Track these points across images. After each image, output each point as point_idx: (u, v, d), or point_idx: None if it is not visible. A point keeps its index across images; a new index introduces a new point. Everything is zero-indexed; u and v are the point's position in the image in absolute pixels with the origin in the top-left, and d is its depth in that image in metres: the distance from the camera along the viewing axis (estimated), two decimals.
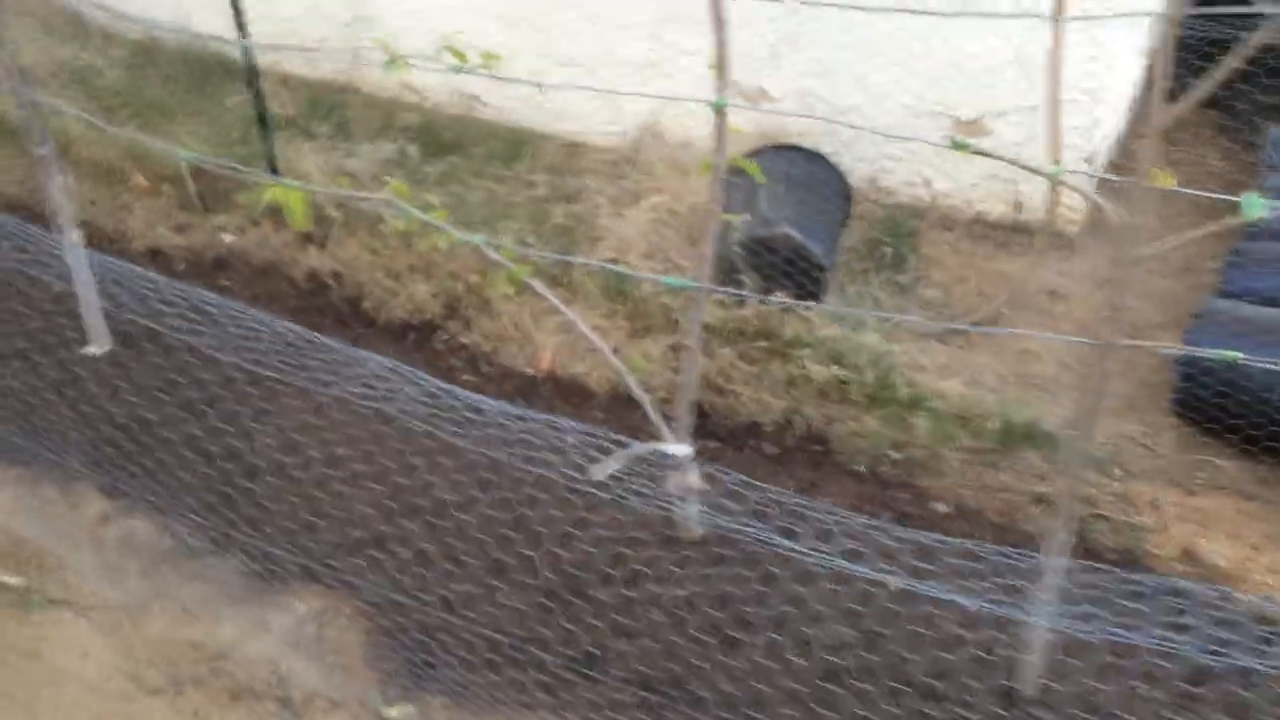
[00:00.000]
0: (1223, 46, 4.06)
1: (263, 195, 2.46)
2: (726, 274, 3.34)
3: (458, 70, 2.38)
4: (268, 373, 3.18)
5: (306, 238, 3.82)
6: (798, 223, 3.29)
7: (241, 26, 3.67)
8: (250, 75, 3.86)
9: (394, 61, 2.41)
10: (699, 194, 3.82)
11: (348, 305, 3.60)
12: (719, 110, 2.27)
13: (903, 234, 3.80)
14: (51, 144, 3.09)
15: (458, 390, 2.95)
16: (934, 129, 3.89)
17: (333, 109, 4.61)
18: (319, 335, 3.17)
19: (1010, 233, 3.90)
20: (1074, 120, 3.60)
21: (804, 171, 3.52)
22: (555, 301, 2.47)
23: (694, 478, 2.64)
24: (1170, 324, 3.52)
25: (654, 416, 2.54)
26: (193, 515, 2.84)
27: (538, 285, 2.44)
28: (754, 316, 3.26)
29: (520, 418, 2.93)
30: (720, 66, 2.24)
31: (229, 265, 3.78)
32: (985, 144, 3.81)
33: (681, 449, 2.58)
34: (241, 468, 2.96)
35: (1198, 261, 3.73)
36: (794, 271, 3.29)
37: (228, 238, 3.87)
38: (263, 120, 3.88)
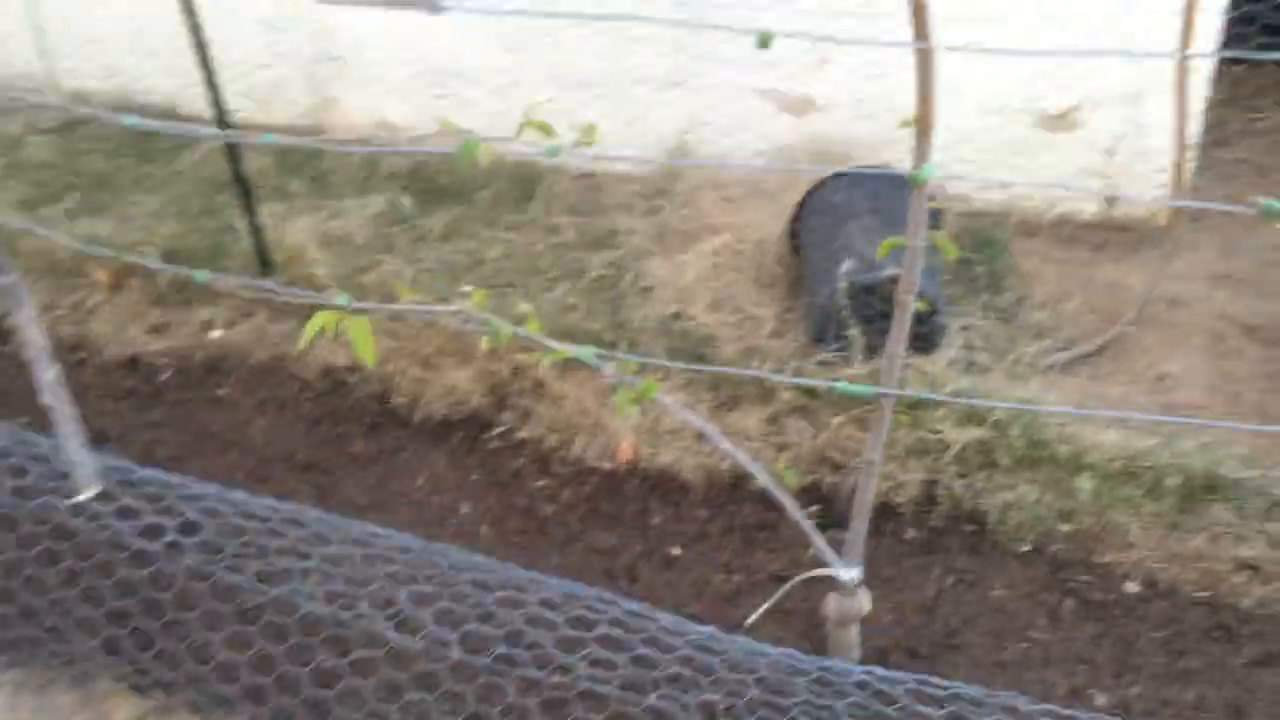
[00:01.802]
0: None
1: (309, 327, 1.92)
2: (828, 327, 2.87)
3: (554, 153, 1.85)
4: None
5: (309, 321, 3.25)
6: (901, 259, 2.81)
7: (210, 73, 3.09)
8: (220, 122, 3.25)
9: (471, 145, 1.84)
10: (761, 226, 3.33)
11: (375, 403, 3.06)
12: (919, 184, 1.77)
13: (991, 248, 3.36)
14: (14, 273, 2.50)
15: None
16: (1015, 125, 3.44)
17: (305, 160, 4.04)
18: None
19: (1106, 232, 3.47)
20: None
21: (887, 194, 3.05)
22: (683, 412, 1.97)
23: (863, 601, 2.17)
24: None
25: (817, 540, 2.06)
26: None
27: (669, 401, 1.94)
28: (867, 375, 2.79)
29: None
30: (924, 122, 1.75)
31: (223, 368, 3.21)
32: (1077, 138, 3.41)
33: (851, 572, 2.12)
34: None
35: None
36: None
37: (217, 333, 3.30)
38: (243, 186, 3.30)
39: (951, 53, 3.39)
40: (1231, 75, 3.78)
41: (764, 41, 1.62)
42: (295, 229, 3.57)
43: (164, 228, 3.67)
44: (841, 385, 1.92)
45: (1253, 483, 2.56)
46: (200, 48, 3.05)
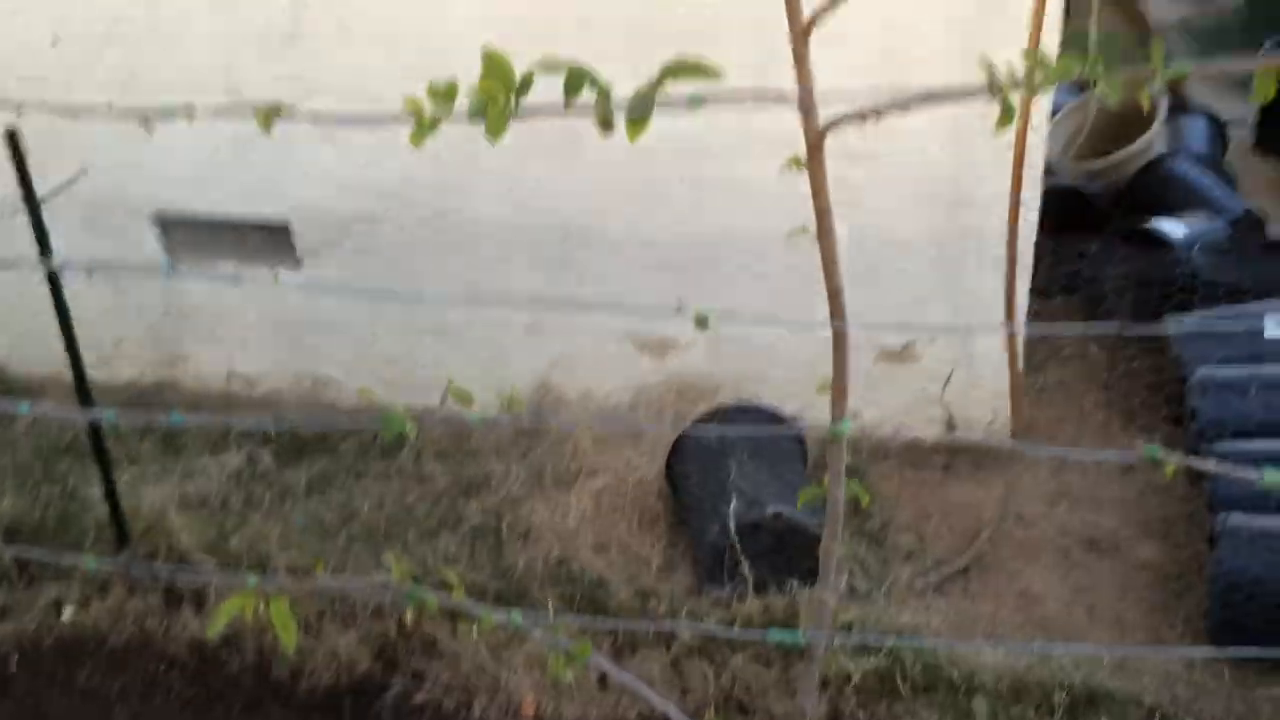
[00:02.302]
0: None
1: (220, 614, 1.83)
2: (719, 565, 2.93)
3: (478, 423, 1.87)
4: None
5: (172, 594, 3.09)
6: (781, 494, 2.95)
7: (72, 340, 2.99)
8: (78, 380, 3.11)
9: (396, 418, 1.86)
10: (638, 466, 3.41)
11: (253, 676, 2.89)
12: (837, 438, 1.89)
13: (852, 474, 3.53)
14: None
15: None
16: (860, 359, 3.69)
17: (154, 418, 3.89)
18: None
19: (951, 455, 3.72)
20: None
21: (760, 430, 3.20)
22: (636, 684, 1.96)
23: None
24: (1143, 532, 3.41)
25: None
26: None
27: (608, 666, 1.94)
28: (760, 611, 2.85)
29: None
30: (839, 389, 1.89)
31: (81, 651, 2.97)
32: (914, 370, 3.69)
33: None
34: None
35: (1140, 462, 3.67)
36: (789, 550, 2.92)
37: (67, 612, 3.07)
38: (99, 450, 3.14)
39: (801, 301, 3.65)
40: (1032, 307, 4.20)
41: (701, 322, 1.74)
42: (151, 494, 3.42)
43: (2, 503, 3.45)
44: (774, 634, 1.98)
45: (1127, 693, 2.72)
46: (62, 311, 2.96)
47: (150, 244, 3.99)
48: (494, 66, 1.52)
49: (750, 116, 3.24)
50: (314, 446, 3.77)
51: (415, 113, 1.59)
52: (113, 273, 4.04)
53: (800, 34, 1.49)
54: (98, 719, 2.75)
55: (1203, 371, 3.51)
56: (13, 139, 2.73)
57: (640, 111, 1.56)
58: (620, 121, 1.51)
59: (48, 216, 2.89)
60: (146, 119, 1.77)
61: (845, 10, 1.56)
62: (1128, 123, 4.76)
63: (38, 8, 3.67)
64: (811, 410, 3.79)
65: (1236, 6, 6.80)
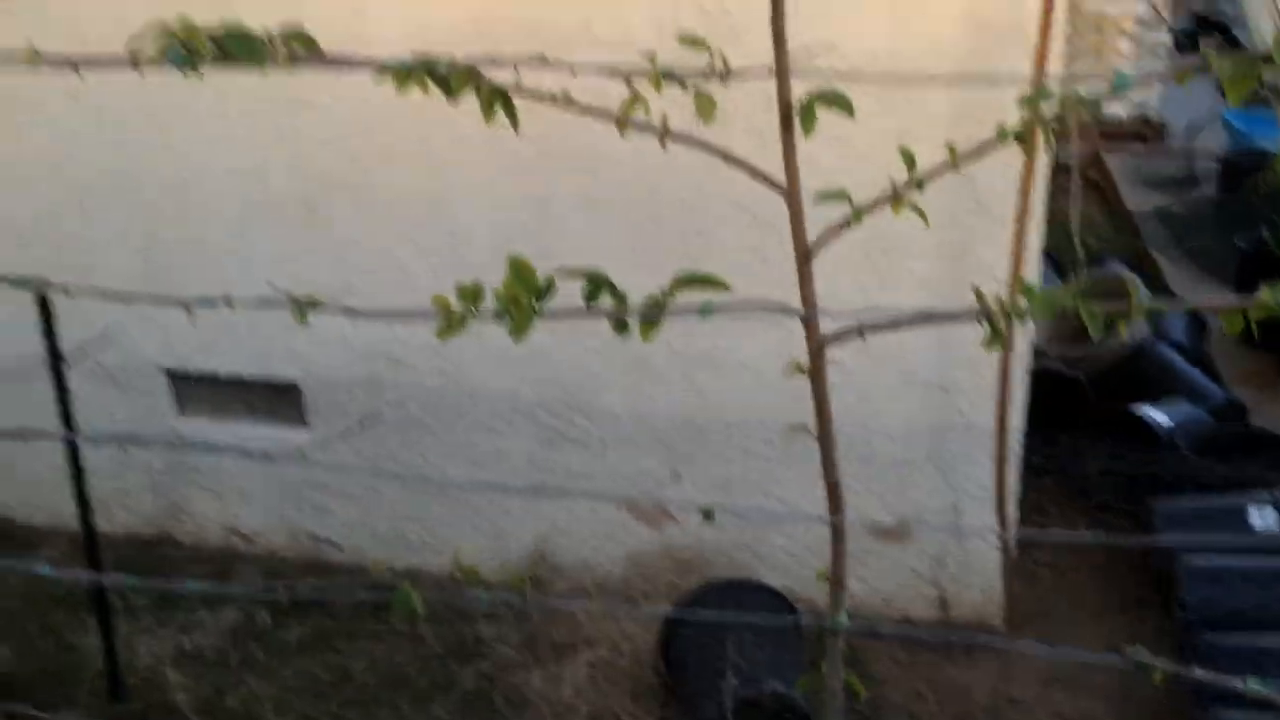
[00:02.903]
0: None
1: None
2: None
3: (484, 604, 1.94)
4: None
5: None
6: (778, 671, 2.98)
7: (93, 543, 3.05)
8: (89, 541, 3.16)
9: (406, 594, 1.91)
10: (633, 637, 3.45)
11: None
12: (837, 629, 1.95)
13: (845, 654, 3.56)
14: None
15: None
16: (851, 535, 3.76)
17: (150, 571, 3.93)
18: None
19: (943, 633, 3.75)
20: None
21: (756, 607, 3.25)
22: None
23: None
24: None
25: None
26: None
27: None
28: None
29: None
30: (837, 582, 1.96)
31: None
32: (907, 548, 3.76)
33: None
34: None
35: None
36: None
37: None
38: (101, 605, 3.16)
39: (794, 474, 3.75)
40: (1026, 485, 4.28)
41: (708, 514, 1.84)
42: (146, 648, 3.43)
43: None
44: None
45: None
46: (78, 478, 3.04)
47: (161, 397, 4.10)
48: (519, 271, 1.65)
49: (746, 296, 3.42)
50: (310, 607, 3.79)
51: (443, 309, 1.70)
52: (122, 428, 4.13)
53: (803, 257, 1.62)
54: None
55: (1189, 561, 3.58)
56: (44, 303, 2.86)
57: (652, 317, 1.69)
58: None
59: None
60: (188, 307, 1.88)
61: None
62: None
63: (69, 179, 3.84)
64: (807, 584, 3.85)
65: (1211, 196, 7.11)
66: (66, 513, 3.43)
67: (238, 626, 3.64)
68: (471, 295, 1.68)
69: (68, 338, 3.13)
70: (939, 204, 3.28)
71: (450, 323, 1.70)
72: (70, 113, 3.71)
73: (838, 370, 3.57)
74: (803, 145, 3.39)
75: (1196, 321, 5.38)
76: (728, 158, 1.66)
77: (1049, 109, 1.49)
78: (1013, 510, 3.60)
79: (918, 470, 3.66)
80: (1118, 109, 8.37)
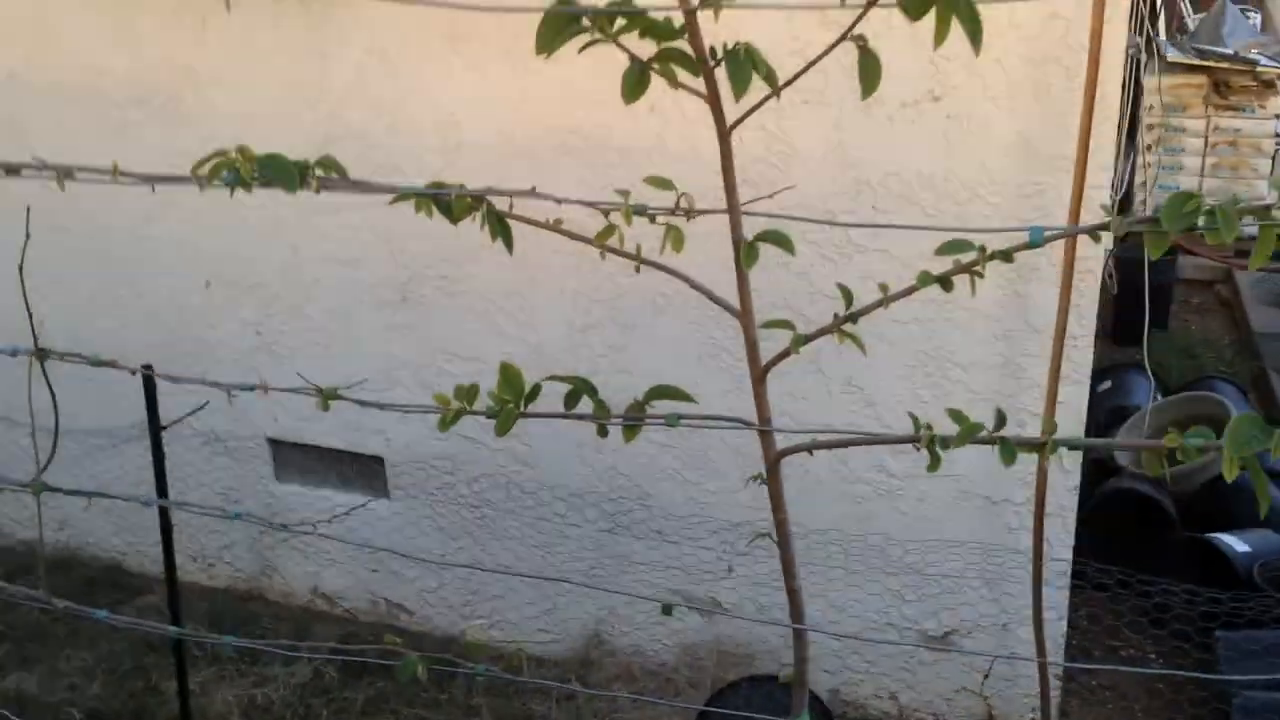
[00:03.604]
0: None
1: None
2: None
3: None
4: None
5: None
6: None
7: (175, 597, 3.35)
8: (171, 591, 3.45)
9: (411, 663, 2.10)
10: None
11: None
12: None
13: None
14: None
15: None
16: (902, 646, 3.79)
17: (238, 623, 4.23)
18: None
19: None
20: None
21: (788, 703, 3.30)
22: None
23: None
24: None
25: None
26: None
27: None
28: None
29: None
30: (799, 680, 2.06)
31: None
32: (955, 659, 3.75)
33: None
34: None
35: None
36: None
37: None
38: (179, 660, 3.46)
39: (846, 576, 3.80)
40: (1091, 602, 4.21)
41: (666, 609, 1.97)
42: (220, 696, 3.69)
43: (90, 687, 3.77)
44: None
45: None
46: (166, 539, 3.35)
47: (263, 463, 4.43)
48: (508, 378, 1.84)
49: (796, 405, 3.53)
50: (376, 669, 4.00)
51: (443, 405, 1.90)
52: (227, 489, 4.47)
53: (758, 377, 1.76)
54: None
55: (1246, 697, 3.48)
56: (148, 379, 3.18)
57: (630, 423, 1.85)
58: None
59: (171, 436, 3.33)
60: (265, 387, 2.13)
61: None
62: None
63: (195, 263, 4.24)
64: (852, 685, 3.87)
65: None
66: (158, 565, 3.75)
67: (307, 683, 3.88)
68: (467, 394, 1.87)
69: (184, 405, 3.46)
70: (993, 318, 3.37)
71: (446, 419, 1.89)
72: (199, 204, 4.10)
73: (889, 480, 3.67)
74: (857, 261, 3.54)
75: None
76: (689, 281, 1.83)
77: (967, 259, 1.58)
78: (1058, 632, 3.57)
79: (968, 584, 3.67)
80: (1253, 225, 8.15)
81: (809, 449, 1.84)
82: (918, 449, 1.68)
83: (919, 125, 3.29)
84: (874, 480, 3.66)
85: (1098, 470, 4.79)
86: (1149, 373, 5.13)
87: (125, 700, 3.68)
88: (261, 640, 4.13)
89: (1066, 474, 3.40)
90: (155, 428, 3.25)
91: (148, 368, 3.29)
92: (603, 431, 1.89)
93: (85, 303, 4.42)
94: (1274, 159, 8.11)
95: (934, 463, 1.68)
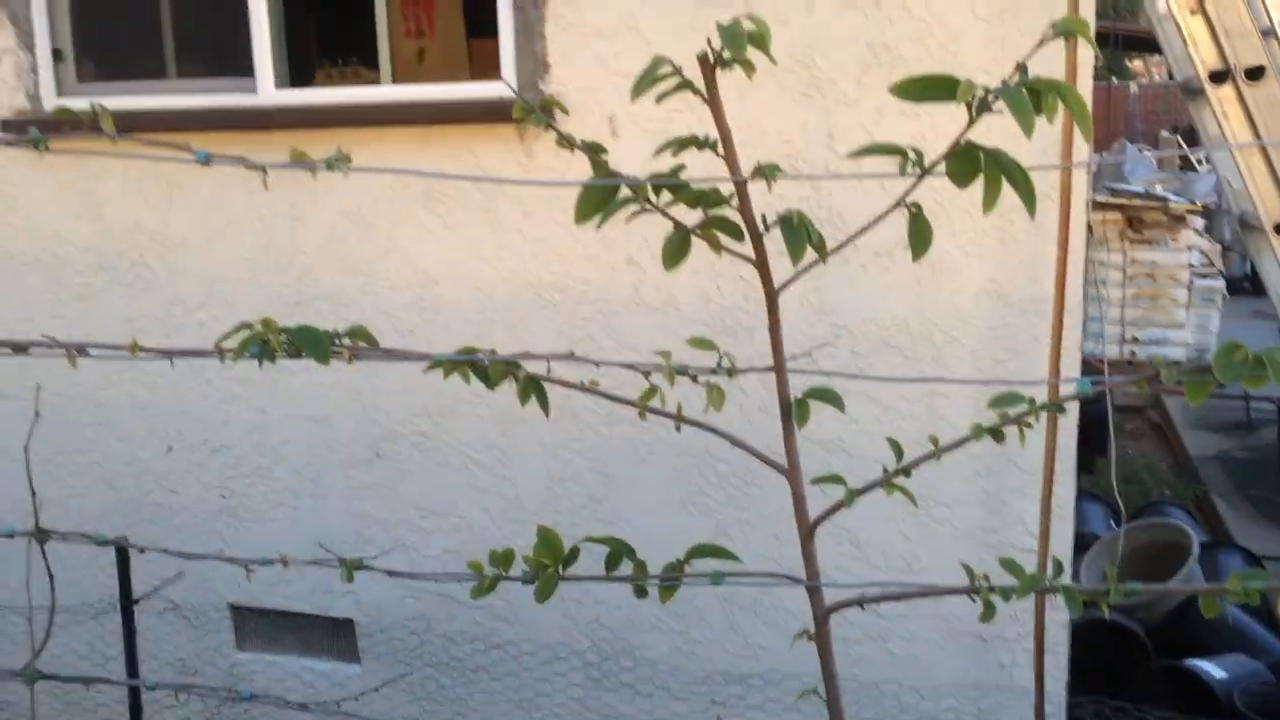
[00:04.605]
0: None
1: None
2: None
3: None
4: None
5: None
6: None
7: None
8: None
9: None
10: None
11: None
12: None
13: None
14: None
15: None
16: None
17: None
18: None
19: None
20: None
21: None
22: None
23: None
24: None
25: None
26: None
27: None
28: None
29: None
30: None
31: None
32: None
33: None
34: None
35: None
36: None
37: None
38: None
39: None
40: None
41: None
42: None
43: None
44: None
45: None
46: (135, 705, 3.18)
47: (223, 631, 4.25)
48: (546, 541, 1.81)
49: (782, 550, 3.52)
50: None
51: (477, 572, 1.85)
52: (183, 661, 4.28)
53: (806, 533, 1.76)
54: None
55: None
56: (121, 553, 3.07)
57: (670, 587, 1.83)
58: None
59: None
60: (248, 568, 2.07)
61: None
62: (1164, 557, 4.93)
63: (158, 425, 4.14)
64: None
65: (1272, 441, 7.11)
66: None
67: None
68: (503, 560, 1.83)
69: (147, 573, 3.32)
70: (976, 455, 3.42)
71: (482, 587, 1.85)
72: (162, 368, 4.03)
73: (879, 623, 3.65)
74: (850, 407, 3.54)
75: (1255, 569, 5.32)
76: (731, 440, 1.84)
77: (1016, 410, 1.62)
78: None
79: (967, 684, 3.64)
80: (1177, 352, 8.52)
81: (859, 603, 1.83)
82: (973, 600, 1.68)
83: (892, 273, 3.40)
84: (863, 623, 3.63)
85: None
86: (1115, 495, 5.23)
87: None
88: None
89: (1058, 610, 3.42)
90: (127, 601, 3.11)
91: (122, 539, 3.19)
92: (641, 593, 1.87)
93: (38, 471, 4.26)
94: (1189, 289, 8.52)
95: (987, 612, 1.69)
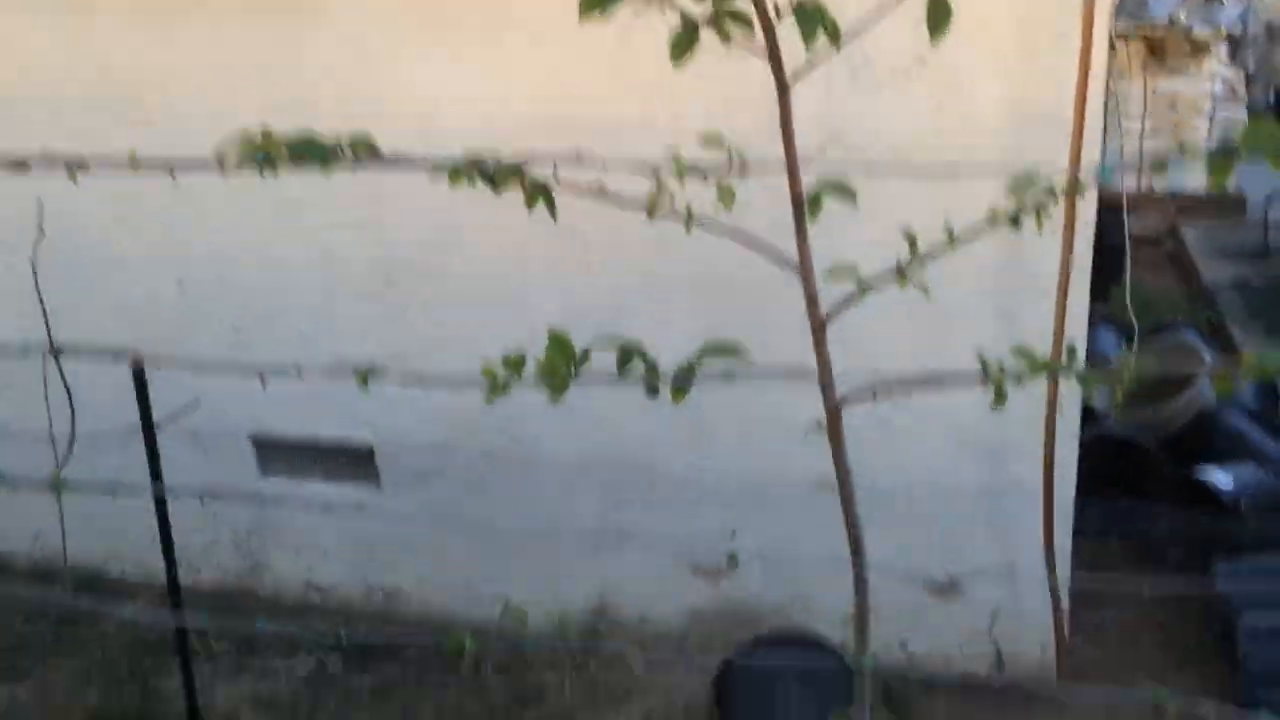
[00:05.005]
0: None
1: None
2: None
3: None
4: None
5: None
6: None
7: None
8: (172, 586, 3.38)
9: (458, 637, 2.08)
10: (685, 689, 3.56)
11: None
12: (864, 669, 2.05)
13: (900, 706, 3.61)
14: None
15: None
16: (907, 592, 3.84)
17: (231, 620, 4.14)
18: None
19: (1001, 691, 3.79)
20: None
21: (809, 660, 3.34)
22: None
23: None
24: None
25: None
26: None
27: None
28: None
29: None
30: (860, 627, 2.06)
31: None
32: (963, 605, 3.81)
33: None
34: None
35: (1193, 699, 3.70)
36: None
37: None
38: (184, 655, 3.38)
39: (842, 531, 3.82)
40: (1086, 548, 4.28)
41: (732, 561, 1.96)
42: (227, 693, 3.63)
43: (87, 693, 3.68)
44: None
45: None
46: (164, 529, 3.27)
47: (246, 460, 4.34)
48: (556, 343, 1.82)
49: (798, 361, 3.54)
50: (380, 655, 3.96)
51: (489, 377, 1.87)
52: (209, 488, 4.37)
53: (818, 328, 1.76)
54: None
55: (1251, 618, 3.58)
56: (139, 375, 3.11)
57: (682, 383, 1.84)
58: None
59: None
60: (261, 375, 2.09)
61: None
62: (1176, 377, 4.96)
63: (170, 264, 4.13)
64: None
65: None
66: (154, 567, 3.65)
67: (311, 674, 3.83)
68: (515, 364, 1.85)
69: (163, 405, 3.37)
70: (991, 272, 3.41)
71: (495, 387, 1.87)
72: (173, 204, 4.00)
73: (888, 432, 3.70)
74: (852, 228, 3.54)
75: (1267, 387, 5.34)
76: (743, 239, 1.82)
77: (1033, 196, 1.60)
78: (1065, 572, 3.64)
79: (973, 531, 3.72)
80: (1195, 182, 8.38)
81: (872, 394, 1.84)
82: (985, 386, 1.69)
83: (907, 94, 3.31)
84: (874, 437, 3.67)
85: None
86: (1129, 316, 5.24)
87: (126, 703, 3.60)
88: (263, 634, 4.08)
89: (1066, 419, 3.45)
90: (148, 422, 3.16)
91: (138, 360, 3.22)
92: (654, 391, 1.88)
93: (53, 310, 4.29)
94: (1210, 120, 8.33)
95: (998, 398, 1.70)
